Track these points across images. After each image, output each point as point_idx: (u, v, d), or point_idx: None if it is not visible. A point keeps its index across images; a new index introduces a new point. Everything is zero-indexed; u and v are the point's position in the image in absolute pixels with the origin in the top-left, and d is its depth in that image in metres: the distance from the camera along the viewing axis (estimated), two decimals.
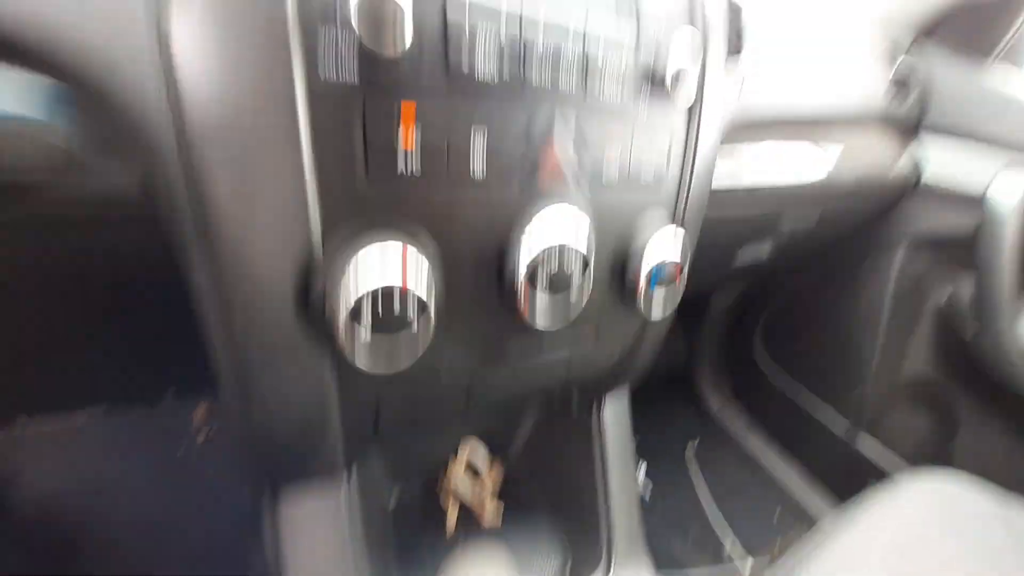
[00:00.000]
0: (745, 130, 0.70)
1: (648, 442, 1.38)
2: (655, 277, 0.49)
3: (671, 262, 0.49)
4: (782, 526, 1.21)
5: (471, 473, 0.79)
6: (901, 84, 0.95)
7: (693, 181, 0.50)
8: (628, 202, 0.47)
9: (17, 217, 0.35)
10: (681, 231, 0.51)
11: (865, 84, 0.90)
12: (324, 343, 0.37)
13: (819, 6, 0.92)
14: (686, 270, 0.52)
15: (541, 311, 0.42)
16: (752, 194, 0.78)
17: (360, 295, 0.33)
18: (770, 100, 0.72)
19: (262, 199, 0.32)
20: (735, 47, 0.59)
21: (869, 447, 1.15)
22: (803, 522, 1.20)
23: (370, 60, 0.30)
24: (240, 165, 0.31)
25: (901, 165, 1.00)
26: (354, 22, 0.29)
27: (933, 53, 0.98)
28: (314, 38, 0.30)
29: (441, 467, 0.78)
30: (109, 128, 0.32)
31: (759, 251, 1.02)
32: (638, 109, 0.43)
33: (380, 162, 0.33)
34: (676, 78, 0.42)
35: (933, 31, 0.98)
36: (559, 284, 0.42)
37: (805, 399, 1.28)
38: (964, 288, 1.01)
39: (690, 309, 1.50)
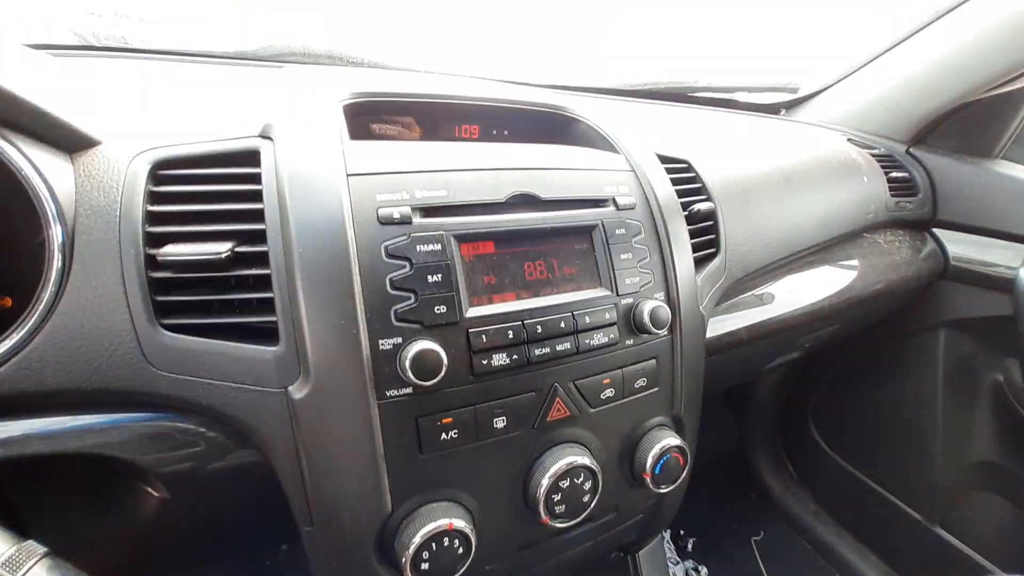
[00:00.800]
0: (752, 278, 0.77)
1: (710, 536, 1.36)
2: (661, 462, 0.57)
3: (674, 446, 0.58)
4: None
5: None
6: (906, 188, 0.99)
7: (684, 375, 0.59)
8: (627, 408, 0.57)
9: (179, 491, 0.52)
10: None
11: (867, 196, 0.95)
12: (393, 568, 0.50)
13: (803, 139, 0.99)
14: (691, 452, 0.60)
15: (560, 516, 0.53)
16: (764, 326, 0.82)
17: (419, 539, 0.45)
18: (769, 245, 0.78)
19: (351, 475, 0.45)
20: (715, 248, 0.69)
21: (947, 536, 1.09)
22: None
23: (418, 384, 0.44)
24: (335, 456, 0.45)
25: (923, 258, 1.02)
26: (407, 365, 0.43)
27: (931, 157, 1.02)
28: (382, 377, 0.44)
29: None
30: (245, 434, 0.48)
31: (788, 357, 1.06)
32: (625, 345, 0.54)
33: (430, 441, 0.46)
34: (652, 319, 0.53)
35: (923, 139, 1.03)
36: (573, 494, 0.52)
37: (869, 483, 1.24)
38: (1016, 368, 0.99)
39: (735, 390, 1.50)
